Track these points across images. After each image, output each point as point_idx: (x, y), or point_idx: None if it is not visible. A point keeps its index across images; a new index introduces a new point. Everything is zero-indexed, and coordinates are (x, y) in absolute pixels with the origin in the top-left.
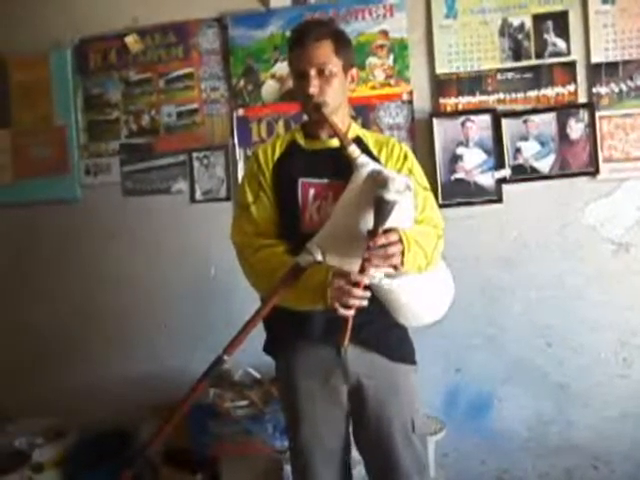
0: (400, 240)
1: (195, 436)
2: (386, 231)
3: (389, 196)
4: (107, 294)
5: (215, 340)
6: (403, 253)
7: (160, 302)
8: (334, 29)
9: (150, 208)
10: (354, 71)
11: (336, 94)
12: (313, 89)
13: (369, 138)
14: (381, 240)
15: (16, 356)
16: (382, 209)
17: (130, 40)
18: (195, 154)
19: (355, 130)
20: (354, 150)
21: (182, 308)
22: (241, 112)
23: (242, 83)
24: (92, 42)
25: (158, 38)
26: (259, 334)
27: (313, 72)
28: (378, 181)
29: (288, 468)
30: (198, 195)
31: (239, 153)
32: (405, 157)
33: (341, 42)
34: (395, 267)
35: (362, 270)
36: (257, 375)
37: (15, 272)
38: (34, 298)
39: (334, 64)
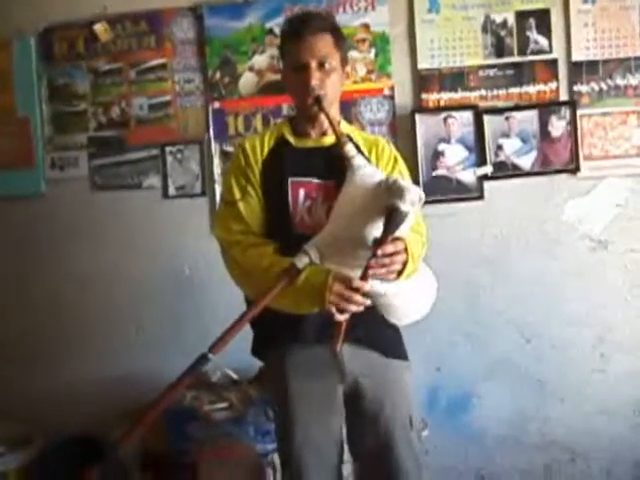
0: (405, 249)
1: (173, 440)
2: (392, 240)
3: (405, 207)
4: (74, 294)
5: (188, 341)
6: (405, 262)
7: (131, 302)
8: (333, 23)
9: (120, 204)
10: (348, 68)
11: (335, 88)
12: (315, 81)
13: (358, 137)
14: (389, 248)
15: None
16: (395, 219)
17: (99, 28)
18: (168, 148)
19: (345, 128)
20: (350, 149)
21: (154, 308)
22: (217, 105)
23: (218, 75)
24: (58, 30)
25: (129, 27)
26: (238, 336)
27: (314, 64)
28: (393, 190)
29: (271, 472)
30: (171, 191)
31: (214, 147)
32: (395, 160)
33: (340, 37)
34: (396, 275)
35: (364, 277)
36: (235, 377)
37: None
38: None
39: (334, 58)
